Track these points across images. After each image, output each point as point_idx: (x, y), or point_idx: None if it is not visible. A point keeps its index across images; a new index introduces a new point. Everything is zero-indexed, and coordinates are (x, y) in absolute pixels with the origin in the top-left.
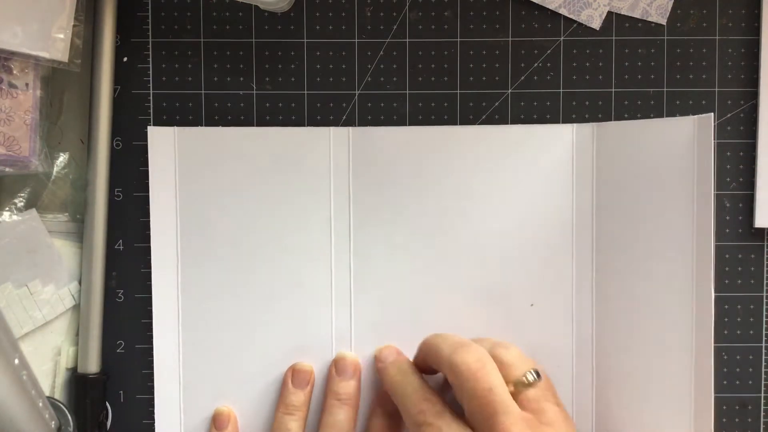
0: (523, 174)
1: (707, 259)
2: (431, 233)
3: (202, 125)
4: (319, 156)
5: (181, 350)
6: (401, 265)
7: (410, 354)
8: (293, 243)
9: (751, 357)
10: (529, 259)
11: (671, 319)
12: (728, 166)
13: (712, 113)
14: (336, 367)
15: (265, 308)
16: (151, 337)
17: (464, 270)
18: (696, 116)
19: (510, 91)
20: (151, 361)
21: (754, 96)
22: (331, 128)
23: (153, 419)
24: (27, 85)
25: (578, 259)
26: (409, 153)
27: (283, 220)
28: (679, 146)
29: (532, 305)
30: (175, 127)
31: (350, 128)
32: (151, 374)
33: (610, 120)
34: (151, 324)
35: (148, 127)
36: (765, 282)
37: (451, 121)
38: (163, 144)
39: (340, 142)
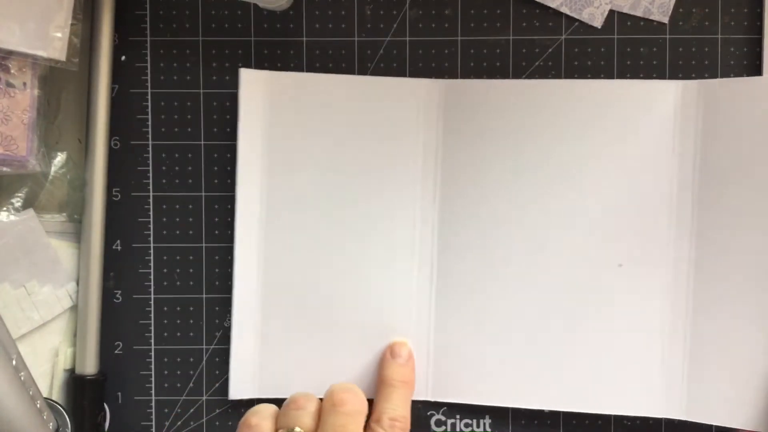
0: (621, 130)
1: None
2: (520, 189)
3: (201, 125)
4: (409, 107)
5: (261, 295)
6: (487, 219)
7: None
8: (378, 200)
9: None
10: (623, 218)
11: None
12: None
13: None
14: (392, 351)
15: (343, 269)
16: (149, 338)
17: (554, 232)
18: None
19: None
20: (150, 363)
21: None
22: (425, 80)
23: (151, 421)
24: (24, 84)
25: (678, 221)
26: (504, 107)
27: (370, 174)
28: None
29: (620, 266)
30: (267, 71)
31: (443, 81)
32: (150, 376)
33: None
34: (149, 325)
35: (240, 69)
36: None
37: None
38: (254, 87)
39: (433, 94)
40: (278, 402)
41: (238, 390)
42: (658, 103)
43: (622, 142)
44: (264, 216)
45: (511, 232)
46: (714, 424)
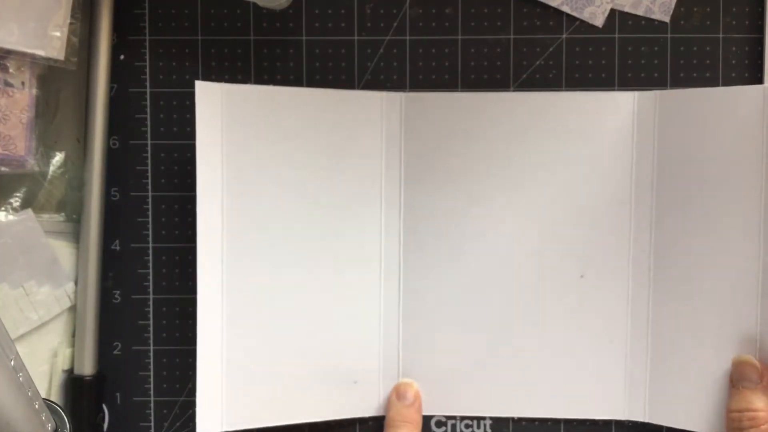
0: (579, 141)
1: None
2: (482, 201)
3: None
4: (370, 120)
5: (225, 324)
6: (452, 231)
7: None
8: (341, 216)
9: None
10: (583, 230)
11: (733, 314)
12: None
13: None
14: (397, 392)
15: (308, 286)
16: (148, 338)
17: (517, 244)
18: None
19: (512, 89)
20: (149, 363)
21: None
22: (383, 93)
23: (150, 422)
24: (23, 83)
25: (636, 231)
26: (462, 119)
27: (331, 187)
28: (750, 114)
29: (582, 277)
30: (223, 84)
31: (403, 93)
32: (148, 376)
33: None
34: (148, 325)
35: (196, 82)
36: None
37: None
38: (211, 101)
39: (392, 108)
40: None
41: (206, 424)
42: (615, 114)
43: (580, 153)
44: (226, 238)
45: (475, 243)
46: (675, 426)
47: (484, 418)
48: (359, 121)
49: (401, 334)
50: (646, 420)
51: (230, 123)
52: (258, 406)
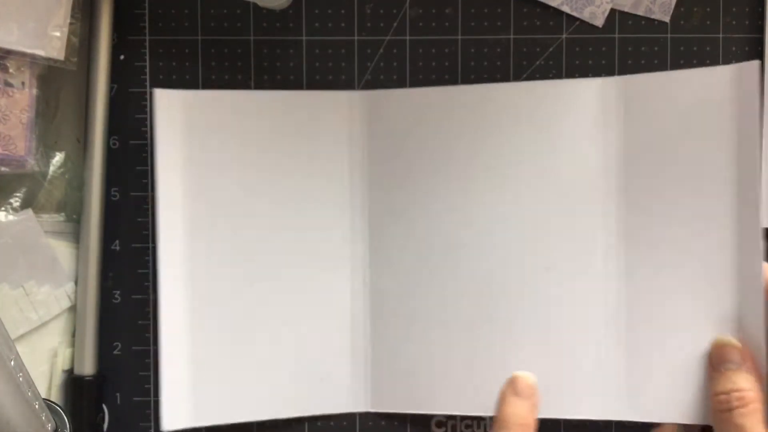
0: (545, 132)
1: (754, 217)
2: (446, 196)
3: None
4: (332, 120)
5: (190, 319)
6: (418, 227)
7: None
8: (305, 217)
9: None
10: (551, 221)
11: (709, 297)
12: None
13: (759, 60)
14: (514, 387)
15: (275, 285)
16: (148, 338)
17: (484, 238)
18: (739, 64)
19: None
20: (149, 363)
21: None
22: (344, 92)
23: (150, 422)
24: (23, 83)
25: (605, 220)
26: (428, 115)
27: (296, 187)
28: (720, 96)
29: (548, 269)
30: (182, 90)
31: (364, 91)
32: (149, 376)
33: None
34: (148, 325)
35: (155, 90)
36: None
37: None
38: (170, 108)
39: (355, 106)
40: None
41: (171, 420)
42: (580, 102)
43: (545, 143)
44: (188, 240)
45: (441, 238)
46: (654, 421)
47: (484, 419)
48: (322, 122)
49: (369, 332)
50: (624, 419)
51: (191, 129)
52: (224, 402)
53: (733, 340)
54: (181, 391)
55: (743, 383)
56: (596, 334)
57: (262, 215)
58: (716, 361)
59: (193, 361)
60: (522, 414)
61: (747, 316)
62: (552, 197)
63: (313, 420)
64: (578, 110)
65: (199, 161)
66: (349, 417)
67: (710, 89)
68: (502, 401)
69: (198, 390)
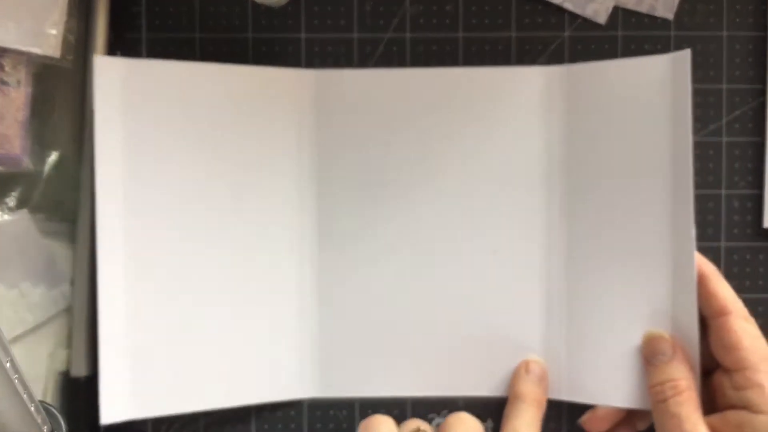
0: (490, 118)
1: (686, 207)
2: (394, 182)
3: None
4: (281, 98)
5: (129, 308)
6: (366, 212)
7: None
8: (252, 197)
9: None
10: (496, 206)
11: (644, 285)
12: (736, 165)
13: (690, 50)
14: (526, 367)
15: (219, 271)
16: None
17: (431, 222)
18: (672, 54)
19: None
20: None
21: (763, 93)
22: (295, 69)
23: (147, 423)
24: (19, 81)
25: (548, 206)
26: (377, 97)
27: (240, 170)
28: (656, 85)
29: (494, 252)
30: (126, 58)
31: (314, 70)
32: None
33: None
34: None
35: (96, 57)
36: None
37: None
38: (110, 77)
39: (305, 85)
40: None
41: (110, 412)
42: (524, 89)
43: (491, 129)
44: (127, 224)
45: (388, 224)
46: (592, 403)
47: (485, 420)
48: (272, 99)
49: (317, 318)
50: (565, 399)
51: (132, 99)
52: (167, 392)
53: (663, 333)
54: (122, 382)
55: (676, 373)
56: (540, 318)
57: (204, 198)
58: (649, 355)
59: (133, 351)
60: (537, 391)
61: (679, 305)
62: (496, 181)
63: (259, 410)
64: (522, 96)
65: (140, 135)
66: (296, 405)
67: (646, 78)
68: (518, 379)
69: (139, 381)
